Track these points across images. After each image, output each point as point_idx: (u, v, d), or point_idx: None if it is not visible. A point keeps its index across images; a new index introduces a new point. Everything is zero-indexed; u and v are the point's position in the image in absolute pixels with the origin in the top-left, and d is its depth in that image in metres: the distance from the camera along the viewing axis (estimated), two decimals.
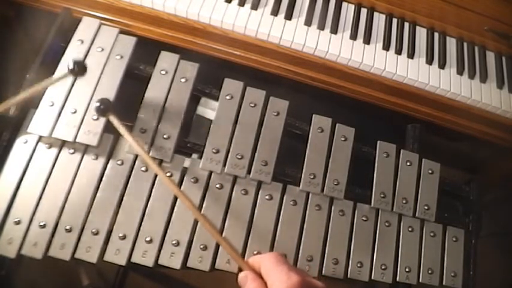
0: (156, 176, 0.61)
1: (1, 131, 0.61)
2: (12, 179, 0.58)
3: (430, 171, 0.69)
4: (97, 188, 0.59)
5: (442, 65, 0.92)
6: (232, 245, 0.56)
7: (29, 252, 0.56)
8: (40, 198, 0.58)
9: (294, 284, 0.44)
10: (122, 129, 0.58)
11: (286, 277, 0.45)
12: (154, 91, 0.65)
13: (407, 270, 0.64)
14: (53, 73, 0.64)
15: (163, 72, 0.66)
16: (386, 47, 0.91)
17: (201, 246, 0.58)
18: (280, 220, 0.62)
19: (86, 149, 0.61)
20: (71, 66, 0.58)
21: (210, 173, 0.62)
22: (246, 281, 0.50)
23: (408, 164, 0.69)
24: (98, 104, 0.59)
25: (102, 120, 0.62)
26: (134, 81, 0.67)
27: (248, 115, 0.66)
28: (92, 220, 0.58)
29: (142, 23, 0.88)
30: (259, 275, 0.50)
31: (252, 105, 0.67)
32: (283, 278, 0.45)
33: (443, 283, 0.65)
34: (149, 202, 0.60)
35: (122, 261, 0.57)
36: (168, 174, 0.61)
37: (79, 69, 0.59)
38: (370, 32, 0.92)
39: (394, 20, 0.96)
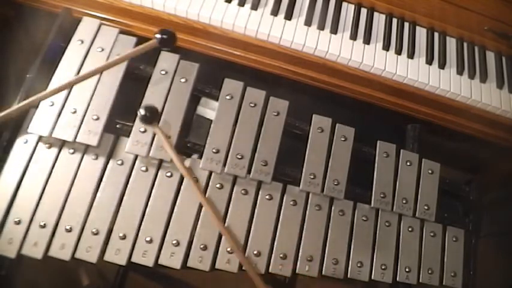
0: (156, 176, 0.61)
1: (1, 131, 0.61)
2: (12, 179, 0.58)
3: (430, 171, 0.69)
4: (97, 188, 0.60)
5: (442, 65, 0.92)
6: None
7: (29, 252, 0.56)
8: (40, 198, 0.58)
9: None
10: (166, 144, 0.57)
11: None
12: (154, 91, 0.65)
13: (407, 270, 0.64)
14: (53, 73, 0.64)
15: (163, 72, 0.66)
16: (386, 47, 0.91)
17: (201, 246, 0.58)
18: (280, 220, 0.62)
19: (86, 149, 0.61)
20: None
21: (210, 173, 0.62)
22: None
23: (408, 164, 0.69)
24: (143, 112, 0.57)
25: (103, 120, 0.62)
26: (134, 81, 0.67)
27: (248, 115, 0.66)
28: (92, 220, 0.58)
29: (142, 23, 0.88)
30: None
31: (252, 105, 0.67)
32: None
33: (443, 283, 0.65)
34: (149, 202, 0.60)
35: (122, 261, 0.57)
36: (168, 174, 0.61)
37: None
38: (370, 32, 0.92)
39: (394, 20, 0.96)
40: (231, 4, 0.87)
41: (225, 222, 0.60)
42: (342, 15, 0.93)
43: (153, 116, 0.59)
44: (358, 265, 0.63)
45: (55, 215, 0.57)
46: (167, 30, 0.65)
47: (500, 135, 0.95)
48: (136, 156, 0.62)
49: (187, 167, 0.59)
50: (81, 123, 0.61)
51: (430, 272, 0.65)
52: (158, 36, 0.63)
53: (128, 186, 0.60)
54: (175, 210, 0.60)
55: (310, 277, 0.61)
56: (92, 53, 0.67)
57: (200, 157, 0.63)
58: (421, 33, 0.96)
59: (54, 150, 0.61)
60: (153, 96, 0.65)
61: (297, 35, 0.87)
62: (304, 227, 0.62)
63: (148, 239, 0.58)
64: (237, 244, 0.58)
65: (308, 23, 0.89)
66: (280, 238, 0.61)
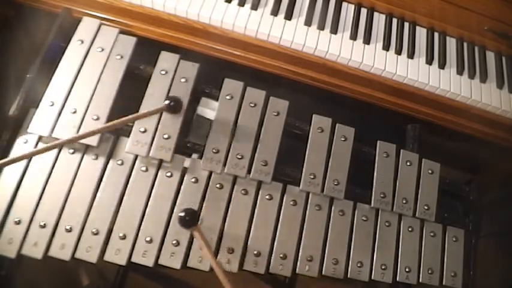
0: (156, 176, 0.61)
1: (1, 131, 0.61)
2: (12, 179, 0.58)
3: (430, 171, 0.69)
4: (97, 188, 0.60)
5: (442, 65, 0.92)
6: None
7: (29, 252, 0.56)
8: (40, 198, 0.58)
9: None
10: (206, 250, 0.54)
11: None
12: (154, 91, 0.65)
13: (407, 270, 0.64)
14: (53, 73, 0.64)
15: (163, 72, 0.66)
16: (386, 47, 0.91)
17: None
18: (280, 220, 0.62)
19: (86, 149, 0.61)
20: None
21: (210, 173, 0.62)
22: None
23: (408, 164, 0.69)
24: (182, 214, 0.54)
25: (102, 120, 0.62)
26: (134, 81, 0.67)
27: (248, 115, 0.66)
28: (92, 220, 0.58)
29: (142, 23, 0.87)
30: None
31: (252, 105, 0.67)
32: None
33: (443, 283, 0.65)
34: (149, 202, 0.60)
35: (122, 261, 0.57)
36: (168, 174, 0.61)
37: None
38: (370, 32, 0.92)
39: (394, 20, 0.96)
40: (231, 4, 0.87)
41: (225, 222, 0.60)
42: (342, 15, 0.93)
43: (192, 220, 0.55)
44: (358, 265, 0.63)
45: (55, 215, 0.57)
46: (174, 97, 0.63)
47: (500, 135, 0.95)
48: (136, 156, 0.62)
49: (223, 270, 0.54)
50: (81, 123, 0.61)
51: (430, 272, 0.65)
52: (166, 102, 0.61)
53: (128, 186, 0.60)
54: (175, 211, 0.60)
55: (310, 277, 0.61)
56: (92, 53, 0.67)
57: (200, 157, 0.63)
58: (421, 33, 0.96)
59: (54, 150, 0.61)
60: (153, 96, 0.65)
61: (297, 35, 0.87)
62: (304, 227, 0.62)
63: (148, 239, 0.58)
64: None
65: (308, 23, 0.89)
66: (280, 238, 0.61)
